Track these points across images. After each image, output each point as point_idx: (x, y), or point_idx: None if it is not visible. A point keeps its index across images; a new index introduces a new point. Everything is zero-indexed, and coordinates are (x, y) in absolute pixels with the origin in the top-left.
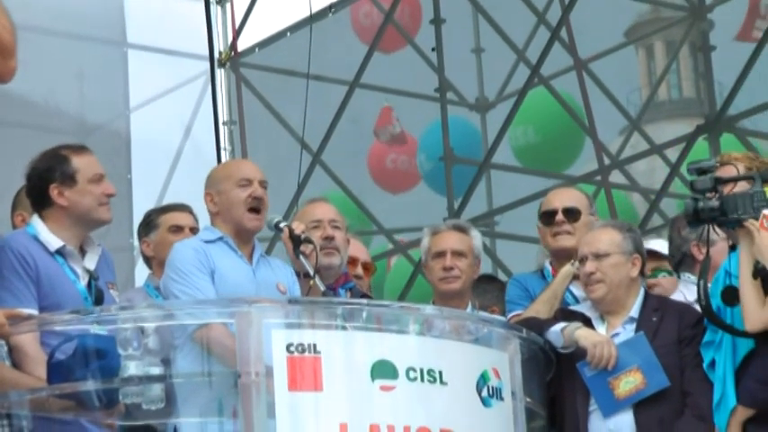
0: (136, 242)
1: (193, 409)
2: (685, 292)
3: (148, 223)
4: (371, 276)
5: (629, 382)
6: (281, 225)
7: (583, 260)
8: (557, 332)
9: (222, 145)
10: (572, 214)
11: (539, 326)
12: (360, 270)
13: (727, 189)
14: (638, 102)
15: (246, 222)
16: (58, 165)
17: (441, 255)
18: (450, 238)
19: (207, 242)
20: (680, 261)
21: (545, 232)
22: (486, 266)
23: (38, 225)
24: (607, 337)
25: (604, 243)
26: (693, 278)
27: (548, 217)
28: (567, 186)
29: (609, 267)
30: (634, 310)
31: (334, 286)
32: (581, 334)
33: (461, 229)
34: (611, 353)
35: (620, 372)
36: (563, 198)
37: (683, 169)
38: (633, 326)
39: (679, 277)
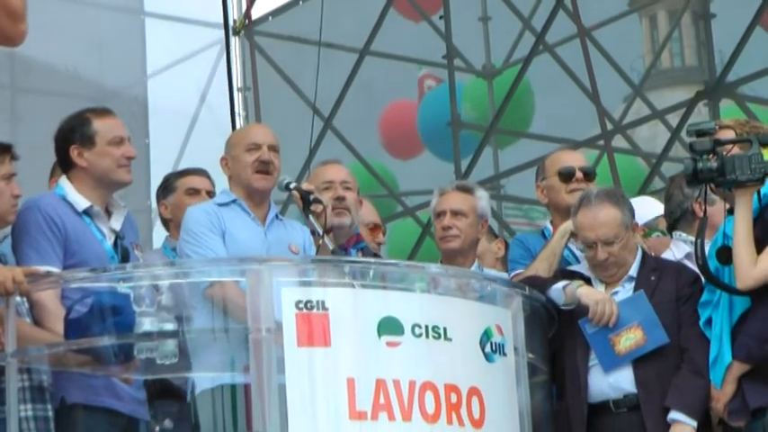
0: (154, 204)
1: (206, 364)
2: (675, 249)
3: (166, 186)
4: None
5: (629, 339)
6: (291, 186)
7: (592, 246)
8: (558, 290)
9: (237, 111)
10: (588, 175)
11: (541, 284)
12: (381, 237)
13: (725, 151)
14: (640, 69)
15: (254, 182)
16: (78, 126)
17: (441, 214)
18: (451, 199)
19: (220, 205)
20: (679, 218)
21: (560, 188)
22: (492, 228)
23: (66, 186)
24: (608, 294)
25: (611, 228)
26: (685, 236)
27: (566, 174)
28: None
29: (619, 250)
30: (633, 270)
31: (346, 246)
32: (583, 292)
33: (465, 189)
34: (613, 310)
35: (620, 328)
36: (577, 159)
37: (684, 134)
38: (632, 285)
39: (671, 236)
